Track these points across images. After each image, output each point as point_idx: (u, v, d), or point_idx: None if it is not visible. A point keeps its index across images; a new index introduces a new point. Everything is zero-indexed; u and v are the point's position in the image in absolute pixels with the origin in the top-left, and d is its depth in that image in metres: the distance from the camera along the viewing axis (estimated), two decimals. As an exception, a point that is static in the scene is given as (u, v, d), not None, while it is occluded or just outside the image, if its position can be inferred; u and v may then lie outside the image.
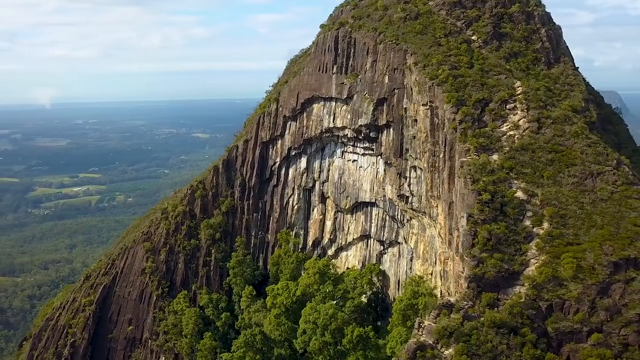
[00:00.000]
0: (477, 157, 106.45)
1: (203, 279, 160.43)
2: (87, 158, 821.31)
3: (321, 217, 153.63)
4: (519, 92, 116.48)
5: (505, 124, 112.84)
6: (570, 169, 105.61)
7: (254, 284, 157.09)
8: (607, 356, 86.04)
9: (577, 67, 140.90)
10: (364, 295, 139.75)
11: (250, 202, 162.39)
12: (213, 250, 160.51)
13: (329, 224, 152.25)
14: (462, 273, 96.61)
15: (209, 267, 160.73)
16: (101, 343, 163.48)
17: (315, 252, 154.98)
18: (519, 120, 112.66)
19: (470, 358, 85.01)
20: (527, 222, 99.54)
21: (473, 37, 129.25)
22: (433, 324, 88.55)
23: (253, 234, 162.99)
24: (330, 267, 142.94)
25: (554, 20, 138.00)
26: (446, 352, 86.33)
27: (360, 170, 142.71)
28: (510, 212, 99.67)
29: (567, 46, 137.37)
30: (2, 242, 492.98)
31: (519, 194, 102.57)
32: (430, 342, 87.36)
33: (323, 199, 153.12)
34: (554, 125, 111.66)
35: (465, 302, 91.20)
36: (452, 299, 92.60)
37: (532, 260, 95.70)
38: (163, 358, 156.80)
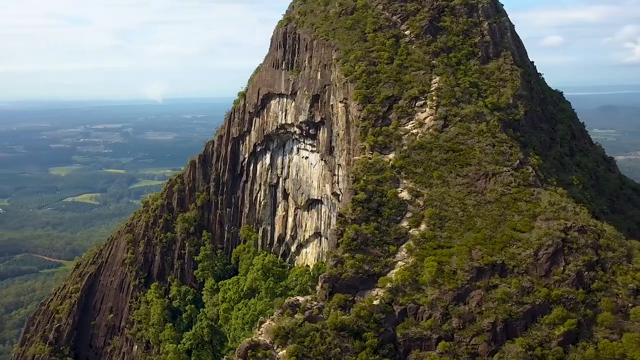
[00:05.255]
0: (370, 156, 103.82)
1: (177, 271, 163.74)
2: (192, 152, 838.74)
3: (284, 213, 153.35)
4: (432, 88, 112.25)
5: (411, 122, 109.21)
6: (464, 169, 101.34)
7: (225, 278, 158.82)
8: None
9: (533, 62, 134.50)
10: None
11: (224, 197, 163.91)
12: (187, 244, 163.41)
13: (290, 220, 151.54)
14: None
15: (183, 260, 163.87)
16: (85, 329, 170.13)
17: (281, 248, 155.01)
18: (425, 118, 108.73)
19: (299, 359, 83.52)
20: (405, 223, 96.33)
21: (406, 32, 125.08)
22: (272, 323, 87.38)
23: (226, 228, 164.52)
24: (277, 263, 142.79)
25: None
26: (280, 353, 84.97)
27: (311, 167, 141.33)
28: (386, 212, 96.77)
29: (518, 39, 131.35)
30: (100, 230, 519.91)
31: (404, 194, 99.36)
32: (267, 341, 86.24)
33: (285, 195, 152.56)
34: (461, 123, 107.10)
35: (316, 303, 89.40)
36: (302, 299, 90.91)
37: (399, 262, 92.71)
38: (136, 346, 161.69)
